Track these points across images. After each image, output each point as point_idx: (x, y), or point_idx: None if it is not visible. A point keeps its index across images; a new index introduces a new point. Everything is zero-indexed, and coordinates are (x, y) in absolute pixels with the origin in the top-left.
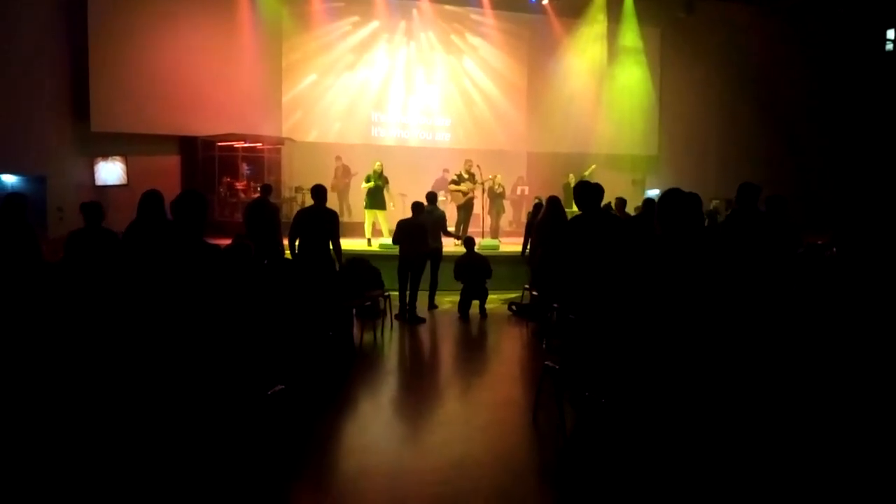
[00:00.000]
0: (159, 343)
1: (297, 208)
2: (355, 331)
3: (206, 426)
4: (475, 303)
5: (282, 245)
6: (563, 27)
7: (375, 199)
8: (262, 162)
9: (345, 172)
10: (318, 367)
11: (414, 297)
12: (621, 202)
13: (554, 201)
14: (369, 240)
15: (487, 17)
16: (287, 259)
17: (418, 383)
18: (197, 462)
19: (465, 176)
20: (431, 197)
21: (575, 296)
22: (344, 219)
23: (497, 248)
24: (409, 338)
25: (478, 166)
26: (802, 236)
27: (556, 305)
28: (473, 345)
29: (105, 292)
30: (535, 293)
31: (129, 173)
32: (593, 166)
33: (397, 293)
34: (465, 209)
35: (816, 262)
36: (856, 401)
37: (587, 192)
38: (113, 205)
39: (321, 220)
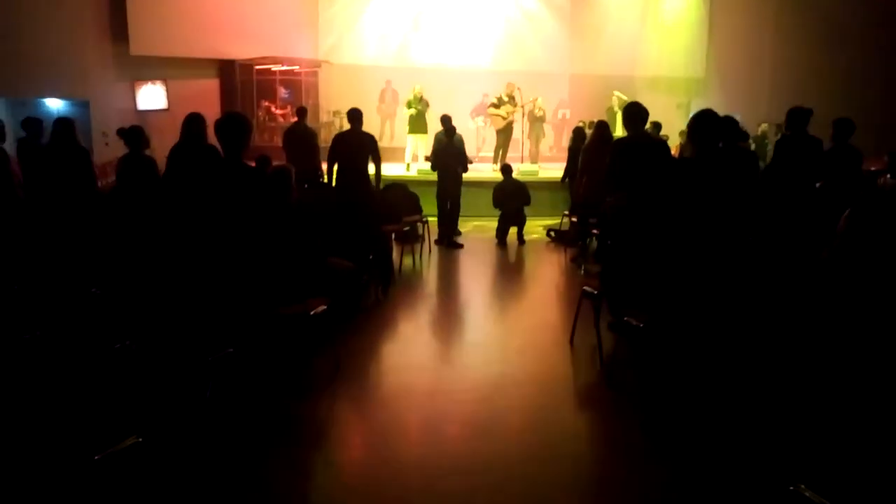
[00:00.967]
0: (201, 263)
1: (334, 132)
2: (394, 255)
3: (246, 344)
4: (513, 229)
5: (321, 169)
6: None
7: (417, 123)
8: (299, 85)
9: (394, 97)
10: (358, 290)
11: (452, 222)
12: (656, 127)
13: (602, 126)
14: (408, 165)
15: None
16: (326, 184)
17: (456, 306)
18: (236, 379)
19: (506, 99)
20: (445, 120)
21: (617, 219)
22: (386, 144)
23: (536, 173)
24: (448, 263)
25: (518, 89)
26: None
27: (595, 231)
28: (511, 270)
29: (150, 216)
30: (574, 220)
31: (169, 97)
32: (619, 93)
33: (436, 219)
34: (505, 133)
35: (869, 189)
36: None
37: (634, 113)
38: (155, 129)
39: (359, 145)
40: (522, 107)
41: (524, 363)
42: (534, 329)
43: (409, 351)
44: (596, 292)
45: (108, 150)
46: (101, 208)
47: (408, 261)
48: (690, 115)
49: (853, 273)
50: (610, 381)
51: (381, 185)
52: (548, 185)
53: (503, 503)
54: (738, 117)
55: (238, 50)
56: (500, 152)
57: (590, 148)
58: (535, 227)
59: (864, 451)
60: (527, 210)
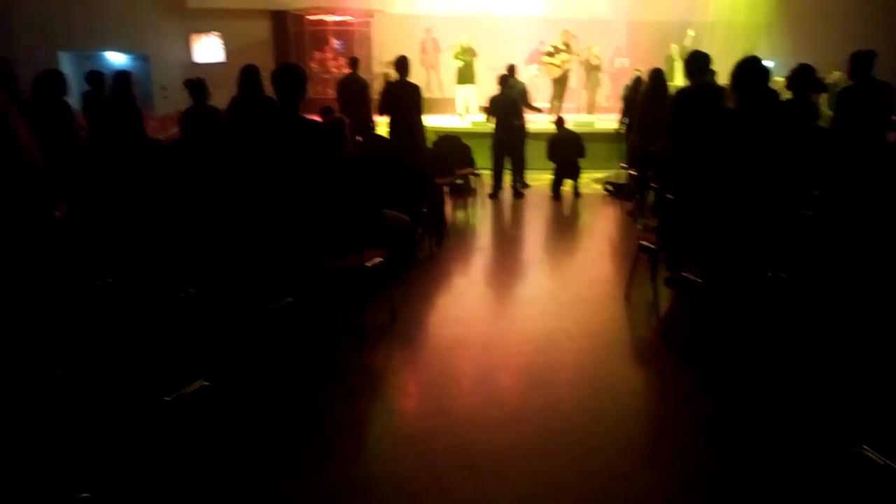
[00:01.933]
0: (265, 213)
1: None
2: (447, 208)
3: (304, 292)
4: (568, 182)
5: (373, 121)
6: None
7: (465, 74)
8: (351, 36)
9: (434, 46)
10: (411, 242)
11: (516, 173)
12: (712, 75)
13: (657, 74)
14: (462, 115)
15: None
16: (379, 135)
17: (510, 260)
18: (294, 327)
19: (561, 47)
20: (510, 69)
21: (676, 172)
22: (434, 95)
23: (592, 124)
24: (501, 216)
25: (574, 36)
26: None
27: (653, 185)
28: (565, 224)
29: (215, 167)
30: (632, 172)
31: (225, 50)
32: (691, 34)
33: (489, 171)
34: (560, 83)
35: None
36: None
37: (696, 62)
38: (213, 82)
39: (408, 95)
40: (578, 55)
41: (579, 317)
42: (589, 283)
43: (462, 303)
44: (653, 246)
45: (166, 104)
46: (160, 160)
47: (461, 214)
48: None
49: None
50: (666, 336)
51: (434, 137)
52: (604, 136)
53: (557, 452)
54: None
55: (290, 0)
56: (556, 103)
57: (644, 99)
58: (592, 180)
59: None
60: (582, 162)
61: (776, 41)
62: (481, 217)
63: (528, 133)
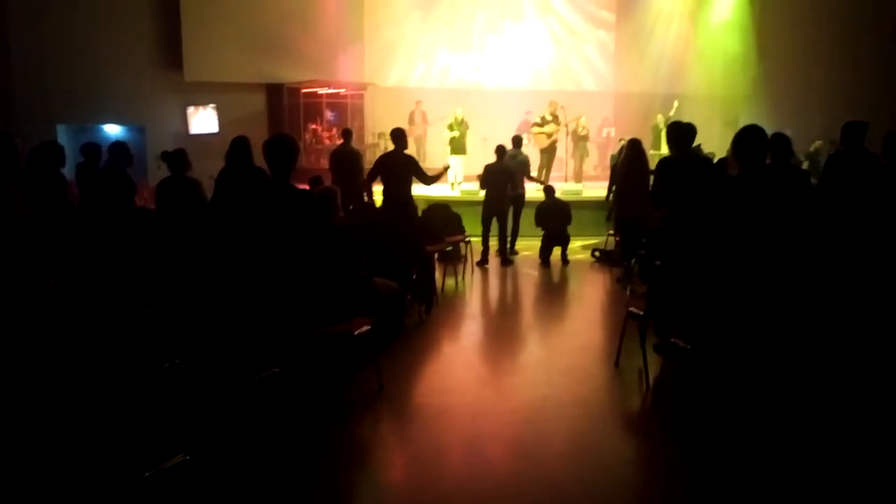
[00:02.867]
0: (252, 282)
1: (379, 154)
2: (437, 275)
3: (291, 363)
4: (557, 249)
5: (366, 190)
6: None
7: (457, 145)
8: (345, 108)
9: (423, 118)
10: (401, 310)
11: (504, 240)
12: (697, 147)
13: (634, 143)
14: (452, 185)
15: None
16: (371, 203)
17: (499, 327)
18: (281, 397)
19: (549, 118)
20: (517, 140)
21: (664, 239)
22: (423, 166)
23: (580, 192)
24: (490, 283)
25: (562, 107)
26: None
27: (641, 251)
28: (555, 290)
29: (192, 236)
30: (618, 239)
31: (220, 121)
32: (676, 104)
33: (478, 239)
34: (549, 152)
35: None
36: None
37: (680, 132)
38: (207, 152)
39: (402, 165)
40: (566, 125)
41: (569, 385)
42: (578, 350)
43: (451, 372)
44: (642, 313)
45: (161, 174)
46: (147, 230)
47: (450, 281)
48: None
49: None
50: (656, 404)
51: (425, 206)
52: (592, 204)
53: None
54: (788, 133)
55: (286, 73)
56: (545, 171)
57: (623, 166)
58: (580, 247)
59: None
60: (571, 229)
61: (758, 112)
62: (471, 284)
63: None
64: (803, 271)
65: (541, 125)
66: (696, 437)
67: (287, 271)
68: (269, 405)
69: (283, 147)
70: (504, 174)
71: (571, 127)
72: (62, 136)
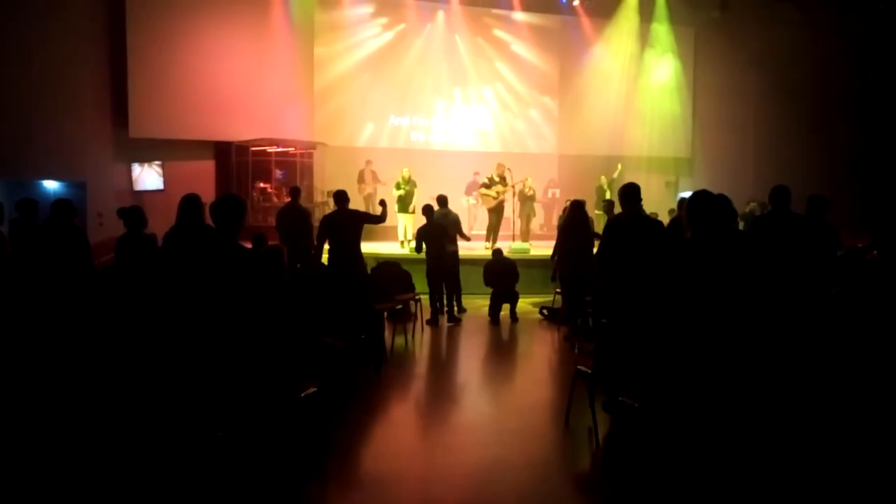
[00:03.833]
0: (196, 344)
1: (328, 212)
2: (386, 334)
3: (236, 426)
4: (506, 306)
5: (314, 249)
6: (595, 28)
7: (404, 203)
8: (294, 166)
9: (373, 177)
10: (349, 371)
11: (451, 299)
12: (609, 205)
13: (577, 205)
14: (402, 242)
15: (517, 20)
16: (318, 263)
17: (449, 387)
18: (225, 461)
19: (497, 179)
20: (442, 200)
21: (610, 298)
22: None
23: (528, 251)
24: (440, 342)
25: (509, 169)
26: (843, 239)
27: (588, 310)
28: (504, 349)
29: (147, 295)
30: (565, 297)
31: (165, 178)
32: (619, 167)
33: (427, 297)
34: (497, 212)
35: (857, 265)
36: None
37: (631, 192)
38: (151, 209)
39: (348, 224)
40: (513, 186)
41: (520, 445)
42: (528, 409)
43: (400, 434)
44: (590, 371)
45: (102, 230)
46: (98, 287)
47: (400, 340)
48: (678, 193)
49: (849, 346)
50: (607, 463)
51: (374, 264)
52: (539, 262)
53: None
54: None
55: (235, 132)
56: (493, 232)
57: (566, 226)
58: (529, 305)
59: None
60: (519, 287)
61: (696, 174)
62: (420, 343)
63: (463, 259)
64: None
65: (488, 186)
66: (648, 497)
67: (234, 332)
68: (211, 470)
69: (230, 206)
70: (438, 231)
71: (518, 188)
72: None
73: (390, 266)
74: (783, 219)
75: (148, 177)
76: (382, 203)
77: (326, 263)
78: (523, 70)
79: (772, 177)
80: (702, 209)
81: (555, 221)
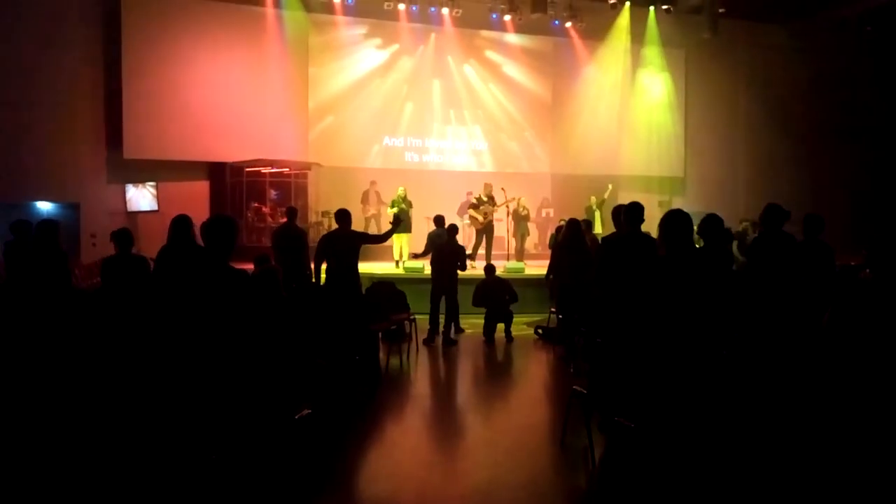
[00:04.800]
0: (188, 366)
1: (323, 232)
2: (381, 354)
3: (232, 448)
4: (500, 326)
5: (309, 269)
6: (587, 50)
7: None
8: (289, 187)
9: (378, 198)
10: (344, 392)
11: (449, 319)
12: (588, 224)
13: (572, 223)
14: (397, 262)
15: (510, 42)
16: (314, 283)
17: (444, 408)
18: (219, 484)
19: (485, 199)
20: (438, 220)
21: (606, 318)
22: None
23: (522, 270)
24: (435, 362)
25: (502, 189)
26: (836, 257)
27: (583, 329)
28: (499, 369)
29: (137, 317)
30: (560, 316)
31: (159, 199)
32: (610, 187)
33: (423, 316)
34: (486, 232)
35: (850, 284)
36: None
37: (636, 211)
38: (145, 230)
39: (348, 244)
40: (507, 205)
41: (515, 466)
42: (523, 430)
43: (395, 456)
44: (585, 391)
45: (94, 251)
46: (82, 309)
47: (395, 360)
48: None
49: (844, 365)
50: (603, 483)
51: (369, 283)
52: (534, 281)
53: None
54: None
55: (229, 152)
56: (484, 252)
57: (562, 245)
58: (524, 324)
59: None
60: (514, 307)
61: (689, 193)
62: (415, 363)
63: (459, 279)
64: (732, 347)
65: (476, 206)
66: None
67: (227, 353)
68: (204, 495)
69: (222, 227)
70: (453, 251)
71: (512, 207)
72: None
73: (385, 286)
74: (775, 239)
75: (142, 198)
76: (396, 218)
77: (324, 283)
78: (516, 91)
79: (764, 196)
80: (673, 228)
81: (549, 241)
